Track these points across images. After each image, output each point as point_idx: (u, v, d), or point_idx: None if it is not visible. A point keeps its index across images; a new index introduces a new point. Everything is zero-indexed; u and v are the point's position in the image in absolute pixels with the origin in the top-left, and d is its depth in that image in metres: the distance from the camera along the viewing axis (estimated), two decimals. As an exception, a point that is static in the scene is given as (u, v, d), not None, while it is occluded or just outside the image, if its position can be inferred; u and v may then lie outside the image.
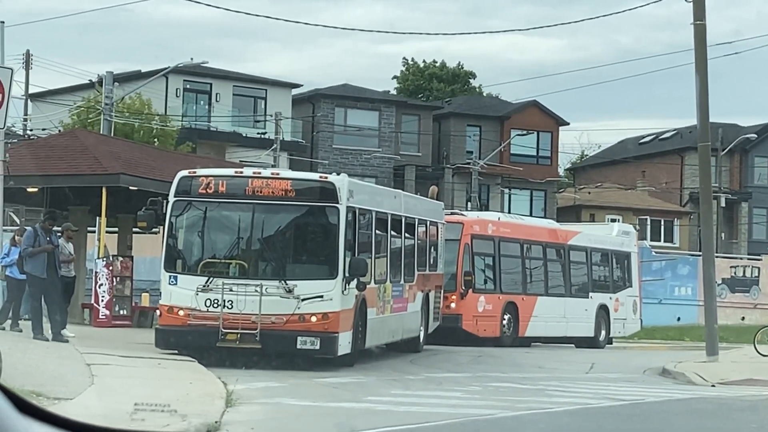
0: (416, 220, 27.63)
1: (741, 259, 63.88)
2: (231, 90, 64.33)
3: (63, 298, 24.06)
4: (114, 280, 30.31)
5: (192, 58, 50.41)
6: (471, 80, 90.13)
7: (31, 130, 58.65)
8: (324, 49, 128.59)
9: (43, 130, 54.92)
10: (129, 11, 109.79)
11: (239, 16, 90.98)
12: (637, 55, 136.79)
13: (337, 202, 21.79)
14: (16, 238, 25.66)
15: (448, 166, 69.17)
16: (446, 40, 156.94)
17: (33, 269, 22.92)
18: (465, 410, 15.98)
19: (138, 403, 13.02)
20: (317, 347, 21.39)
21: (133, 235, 34.05)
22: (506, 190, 71.37)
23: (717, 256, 40.20)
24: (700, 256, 35.97)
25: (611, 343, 38.85)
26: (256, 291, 21.31)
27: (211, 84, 63.62)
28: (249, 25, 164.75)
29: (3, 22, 26.74)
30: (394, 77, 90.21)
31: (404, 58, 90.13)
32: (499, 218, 36.79)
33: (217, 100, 63.63)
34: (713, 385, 22.60)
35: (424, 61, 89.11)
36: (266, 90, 65.37)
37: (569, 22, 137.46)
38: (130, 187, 30.04)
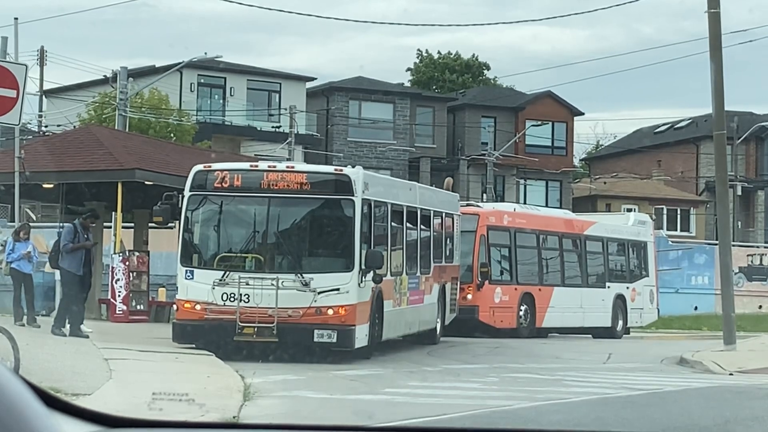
0: (432, 212, 27.61)
1: (758, 247, 63.65)
2: (245, 84, 64.36)
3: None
4: (130, 275, 30.39)
5: (206, 53, 50.37)
6: (485, 71, 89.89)
7: (45, 126, 58.75)
8: (345, 43, 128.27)
9: (58, 126, 55.04)
10: (150, 6, 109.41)
11: (261, 10, 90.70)
12: (660, 45, 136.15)
13: (353, 195, 21.77)
14: (21, 234, 25.73)
15: (463, 157, 69.09)
16: (469, 32, 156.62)
17: (69, 266, 23.04)
18: (483, 401, 15.99)
19: (156, 392, 13.08)
20: (334, 340, 21.42)
21: (149, 230, 34.10)
22: (521, 181, 71.28)
23: (734, 245, 40.08)
24: (716, 245, 35.80)
25: (628, 333, 38.75)
26: (273, 284, 21.32)
27: (225, 78, 63.66)
28: (271, 19, 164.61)
29: (17, 19, 26.84)
30: (408, 69, 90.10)
31: (418, 50, 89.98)
32: (514, 209, 36.73)
33: (231, 95, 63.68)
34: (731, 374, 22.56)
35: (438, 53, 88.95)
36: (280, 84, 65.39)
37: (585, 12, 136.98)
38: (146, 182, 30.10)
